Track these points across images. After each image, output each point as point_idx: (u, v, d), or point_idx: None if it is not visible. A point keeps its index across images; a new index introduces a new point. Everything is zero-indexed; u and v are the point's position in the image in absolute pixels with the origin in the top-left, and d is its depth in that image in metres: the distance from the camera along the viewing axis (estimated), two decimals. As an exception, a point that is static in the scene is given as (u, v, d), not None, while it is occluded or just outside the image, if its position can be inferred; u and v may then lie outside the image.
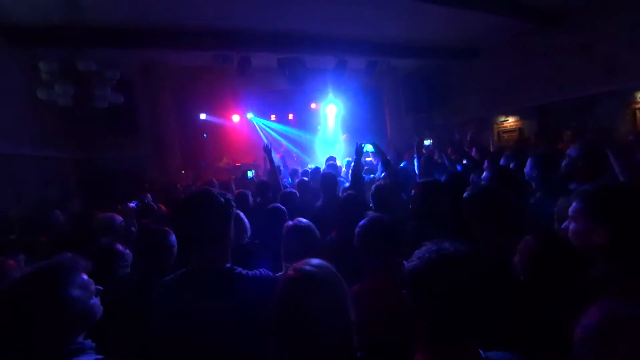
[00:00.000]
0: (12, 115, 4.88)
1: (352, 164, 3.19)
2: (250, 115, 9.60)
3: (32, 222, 2.99)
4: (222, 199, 1.24)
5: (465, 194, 1.77)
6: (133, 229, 2.75)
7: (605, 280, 0.94)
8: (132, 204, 3.01)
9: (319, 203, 2.94)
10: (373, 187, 2.50)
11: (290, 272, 1.04)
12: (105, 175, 6.26)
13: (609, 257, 0.96)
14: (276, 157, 4.44)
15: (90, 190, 5.72)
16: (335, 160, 5.19)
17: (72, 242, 2.57)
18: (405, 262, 0.98)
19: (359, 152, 3.06)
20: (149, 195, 3.76)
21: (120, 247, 1.94)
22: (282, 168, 4.84)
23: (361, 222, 1.68)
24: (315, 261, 1.06)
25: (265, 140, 4.17)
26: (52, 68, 4.11)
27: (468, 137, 4.33)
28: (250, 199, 3.22)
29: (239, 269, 1.23)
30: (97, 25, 5.07)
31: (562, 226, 1.16)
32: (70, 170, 6.31)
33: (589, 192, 1.06)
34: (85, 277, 1.08)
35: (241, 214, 2.10)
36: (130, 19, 5.15)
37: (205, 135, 9.59)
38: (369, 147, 3.22)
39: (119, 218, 2.58)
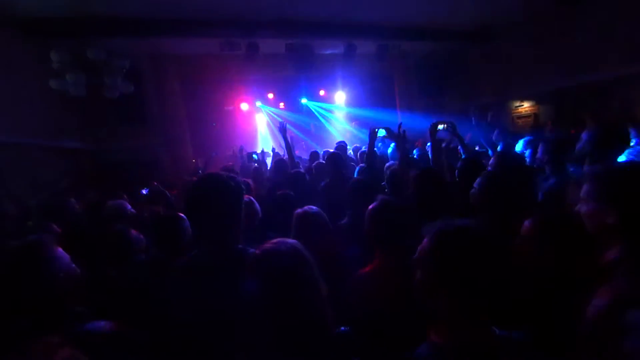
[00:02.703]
0: (27, 106, 4.96)
1: (366, 148, 3.19)
2: (258, 104, 9.58)
3: (48, 210, 3.06)
4: (232, 182, 1.23)
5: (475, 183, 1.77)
6: (145, 214, 2.79)
7: (617, 263, 0.93)
8: (144, 191, 3.05)
9: (323, 183, 2.95)
10: (387, 171, 2.48)
11: (256, 251, 1.06)
12: (117, 164, 6.35)
13: (619, 239, 0.95)
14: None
15: (104, 179, 5.83)
16: (345, 145, 5.20)
17: (86, 229, 2.63)
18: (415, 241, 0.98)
19: (372, 137, 3.03)
20: (155, 183, 3.81)
21: (133, 232, 1.97)
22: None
23: (371, 205, 1.67)
24: (279, 241, 1.07)
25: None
26: (63, 57, 4.15)
27: (488, 119, 4.22)
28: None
29: (252, 250, 1.23)
30: (106, 15, 5.06)
31: (576, 209, 1.14)
32: (84, 159, 6.42)
33: (598, 173, 1.05)
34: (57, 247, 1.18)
35: (252, 198, 2.11)
36: (138, 9, 5.13)
37: (214, 124, 9.62)
38: (382, 132, 3.18)
39: (128, 205, 2.61)
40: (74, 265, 1.18)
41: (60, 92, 4.97)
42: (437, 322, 0.89)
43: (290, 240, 1.07)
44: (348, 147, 5.54)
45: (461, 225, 0.90)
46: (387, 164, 3.50)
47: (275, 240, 1.06)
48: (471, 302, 0.85)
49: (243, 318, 1.11)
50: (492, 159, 2.53)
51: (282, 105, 10.06)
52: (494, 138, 3.75)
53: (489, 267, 0.85)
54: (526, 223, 1.26)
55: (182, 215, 1.93)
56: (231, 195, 1.22)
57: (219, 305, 1.14)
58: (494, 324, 0.87)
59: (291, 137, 9.09)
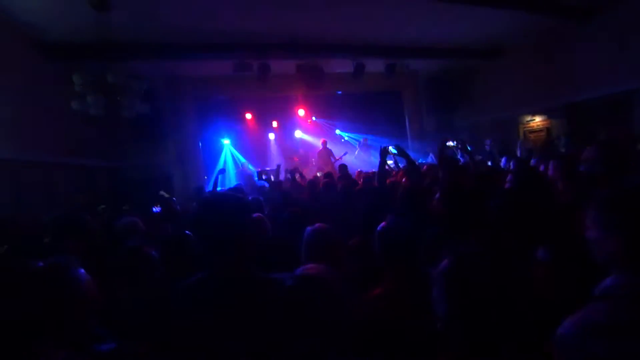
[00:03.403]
0: (50, 127, 5.20)
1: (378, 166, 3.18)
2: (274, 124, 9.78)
3: (64, 227, 3.12)
4: (241, 202, 1.25)
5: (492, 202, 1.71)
6: (156, 232, 2.83)
7: (611, 290, 0.88)
8: (156, 209, 3.10)
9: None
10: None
11: (291, 279, 1.07)
12: (133, 182, 6.50)
13: (621, 266, 0.90)
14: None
15: (120, 197, 5.96)
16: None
17: (102, 246, 2.67)
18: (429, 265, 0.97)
19: (383, 155, 3.03)
20: (174, 198, 3.87)
21: (147, 249, 1.99)
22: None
23: (380, 227, 1.66)
24: (314, 266, 1.08)
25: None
26: (85, 81, 4.36)
27: (487, 147, 4.23)
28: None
29: (261, 273, 1.23)
30: (125, 40, 5.34)
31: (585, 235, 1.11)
32: (101, 177, 6.61)
33: (601, 198, 1.00)
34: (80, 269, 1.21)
35: (262, 215, 2.12)
36: (157, 35, 5.42)
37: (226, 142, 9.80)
38: (392, 150, 3.18)
39: (140, 222, 2.65)
40: (95, 287, 1.20)
41: (79, 112, 5.19)
42: (451, 348, 0.87)
43: (320, 268, 1.08)
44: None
45: (479, 252, 0.90)
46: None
47: (306, 268, 1.08)
48: (484, 331, 0.83)
49: (257, 340, 1.10)
50: (509, 175, 2.46)
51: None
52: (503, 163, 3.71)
53: (503, 296, 0.84)
54: (541, 252, 1.22)
55: (190, 233, 1.95)
56: (237, 214, 1.23)
57: (225, 328, 1.14)
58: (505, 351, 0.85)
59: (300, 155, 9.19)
